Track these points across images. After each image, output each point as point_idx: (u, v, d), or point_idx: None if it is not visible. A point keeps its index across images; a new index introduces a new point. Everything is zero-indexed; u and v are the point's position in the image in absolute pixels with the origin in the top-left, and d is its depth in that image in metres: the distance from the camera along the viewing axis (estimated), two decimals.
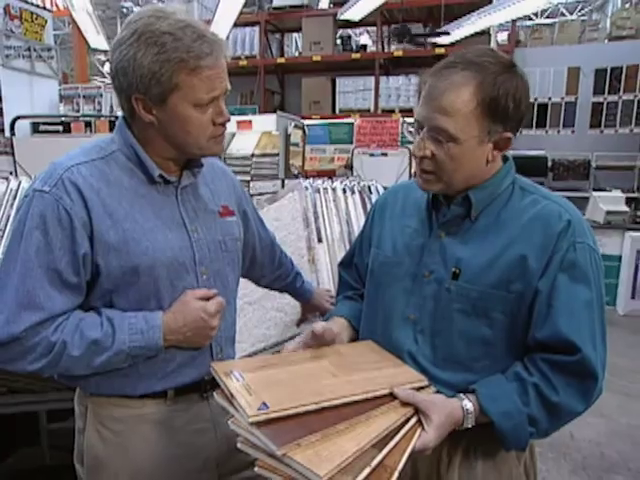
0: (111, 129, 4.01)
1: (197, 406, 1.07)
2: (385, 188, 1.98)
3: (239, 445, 0.80)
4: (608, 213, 5.08)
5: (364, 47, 7.65)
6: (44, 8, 5.62)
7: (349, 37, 7.76)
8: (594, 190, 5.69)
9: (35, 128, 4.54)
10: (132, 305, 0.98)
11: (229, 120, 1.00)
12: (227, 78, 0.98)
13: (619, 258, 5.00)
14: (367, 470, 0.72)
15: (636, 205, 5.58)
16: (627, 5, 8.24)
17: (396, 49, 7.09)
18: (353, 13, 5.77)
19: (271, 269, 1.37)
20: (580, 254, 0.91)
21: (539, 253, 0.91)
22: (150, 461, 1.03)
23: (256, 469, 0.77)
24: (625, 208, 5.20)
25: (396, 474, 0.75)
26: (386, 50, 7.20)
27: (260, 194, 2.34)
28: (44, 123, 4.53)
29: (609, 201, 5.21)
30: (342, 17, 5.99)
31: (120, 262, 0.95)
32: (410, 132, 1.01)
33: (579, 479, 2.47)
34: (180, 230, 1.03)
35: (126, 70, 0.92)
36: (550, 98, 6.04)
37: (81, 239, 0.92)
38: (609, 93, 5.77)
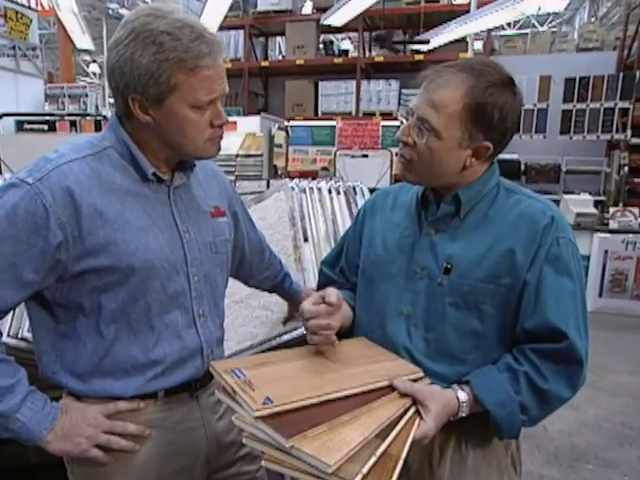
0: (97, 129, 4.02)
1: (187, 405, 1.06)
2: (370, 190, 2.01)
3: (244, 440, 0.80)
4: (578, 215, 5.19)
5: (346, 52, 7.75)
6: (29, 7, 5.62)
7: (331, 42, 7.90)
8: (564, 193, 5.84)
9: (19, 126, 4.51)
10: (120, 305, 0.95)
11: (227, 122, 0.99)
12: (226, 80, 0.96)
13: (588, 258, 5.10)
14: (373, 459, 0.74)
15: (602, 207, 5.75)
16: (593, 19, 8.59)
17: (377, 54, 7.30)
18: (336, 19, 5.89)
19: (260, 269, 1.35)
20: (563, 248, 0.96)
21: (526, 247, 0.95)
22: (141, 459, 1.01)
23: (263, 463, 0.76)
24: (594, 210, 5.34)
25: (400, 462, 0.76)
26: (367, 55, 7.37)
27: (247, 193, 2.42)
28: (29, 122, 4.50)
29: (579, 204, 5.34)
30: (325, 23, 6.11)
31: (109, 262, 0.92)
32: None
33: (552, 468, 2.53)
34: (171, 231, 1.00)
35: (123, 70, 0.89)
36: (523, 105, 6.23)
37: (53, 238, 0.88)
38: (578, 101, 5.95)
